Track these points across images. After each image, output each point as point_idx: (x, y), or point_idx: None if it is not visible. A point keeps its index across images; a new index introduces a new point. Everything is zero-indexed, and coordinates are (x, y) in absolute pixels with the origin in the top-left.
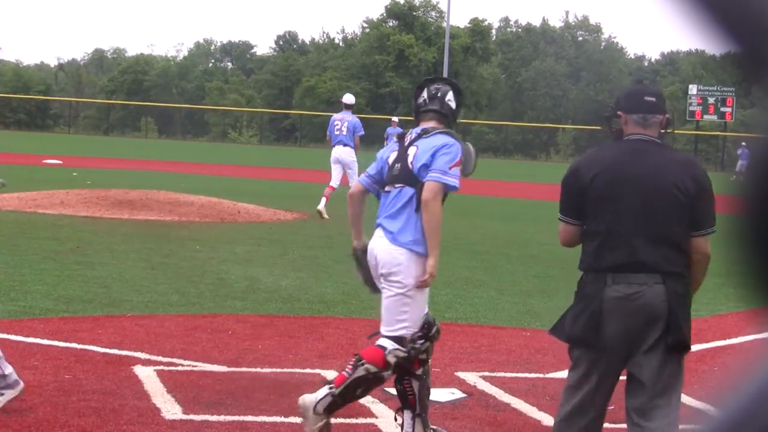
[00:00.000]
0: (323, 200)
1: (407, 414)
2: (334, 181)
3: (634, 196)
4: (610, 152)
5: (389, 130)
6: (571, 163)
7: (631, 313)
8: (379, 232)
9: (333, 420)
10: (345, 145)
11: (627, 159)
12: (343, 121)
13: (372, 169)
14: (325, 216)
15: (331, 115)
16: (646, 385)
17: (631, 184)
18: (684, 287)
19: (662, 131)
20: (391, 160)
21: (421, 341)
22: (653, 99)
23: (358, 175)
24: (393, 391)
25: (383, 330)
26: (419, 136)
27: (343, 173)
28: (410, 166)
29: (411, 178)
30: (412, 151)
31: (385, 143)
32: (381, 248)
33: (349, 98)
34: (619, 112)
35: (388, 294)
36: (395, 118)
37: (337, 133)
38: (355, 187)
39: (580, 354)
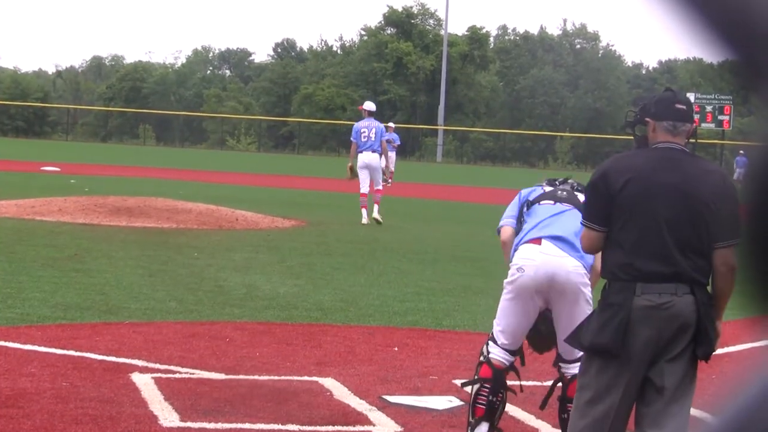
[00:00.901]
0: (375, 207)
1: (484, 426)
2: (365, 188)
3: (666, 204)
4: (640, 159)
5: (386, 135)
6: (598, 168)
7: (662, 323)
8: (551, 249)
9: (330, 427)
10: (374, 151)
11: (659, 167)
12: (370, 128)
13: (512, 210)
14: (380, 219)
15: (353, 123)
16: (666, 393)
17: (663, 193)
18: (709, 298)
19: (689, 140)
20: (539, 195)
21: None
22: (684, 107)
23: None
24: (390, 398)
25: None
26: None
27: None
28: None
29: (580, 204)
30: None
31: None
32: (568, 264)
33: (371, 105)
34: (647, 119)
35: (578, 314)
36: (391, 124)
37: (364, 140)
38: (507, 233)
39: (602, 365)
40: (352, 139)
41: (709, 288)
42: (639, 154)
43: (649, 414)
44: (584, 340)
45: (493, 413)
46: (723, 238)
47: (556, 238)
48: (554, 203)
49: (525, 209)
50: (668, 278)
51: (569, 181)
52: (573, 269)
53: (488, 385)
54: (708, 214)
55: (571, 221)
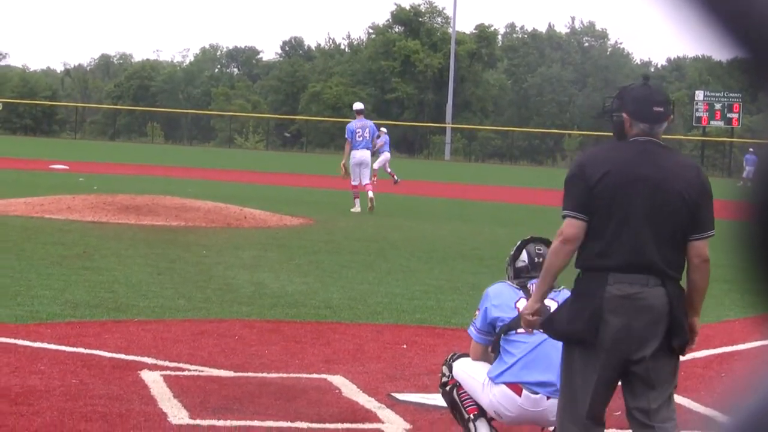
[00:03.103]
0: (370, 193)
1: (483, 421)
2: (357, 181)
3: (643, 197)
4: (618, 152)
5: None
6: (575, 160)
7: (633, 313)
8: (531, 402)
9: (338, 424)
10: (368, 148)
11: (636, 160)
12: (364, 128)
13: (481, 324)
14: (372, 204)
15: (347, 121)
16: (655, 387)
17: (640, 186)
18: (681, 291)
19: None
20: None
21: None
22: (661, 109)
23: None
24: (399, 396)
25: None
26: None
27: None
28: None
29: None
30: (552, 304)
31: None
32: (549, 414)
33: (359, 105)
34: (624, 114)
35: None
36: (383, 128)
37: (359, 138)
38: (477, 352)
39: (575, 352)
40: (347, 137)
41: (683, 283)
42: (616, 148)
43: (643, 408)
44: (558, 329)
45: (484, 410)
46: (697, 230)
47: (539, 384)
48: (532, 332)
49: (503, 335)
50: (639, 269)
51: (538, 260)
52: (553, 415)
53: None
54: (683, 208)
55: (551, 353)
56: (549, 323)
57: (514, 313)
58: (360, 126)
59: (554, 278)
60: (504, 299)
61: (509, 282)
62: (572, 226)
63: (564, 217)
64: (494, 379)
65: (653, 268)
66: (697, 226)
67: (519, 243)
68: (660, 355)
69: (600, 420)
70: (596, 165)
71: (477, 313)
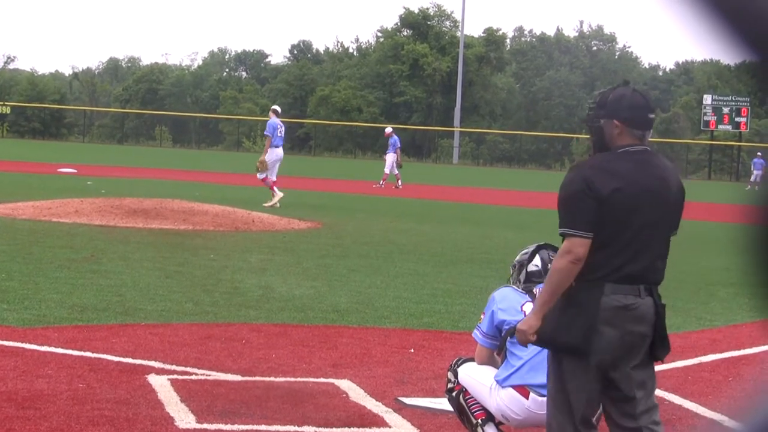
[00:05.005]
0: (275, 194)
1: (491, 426)
2: (274, 175)
3: (649, 210)
4: (622, 165)
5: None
6: (575, 175)
7: (627, 323)
8: (538, 405)
9: (346, 429)
10: (281, 147)
11: (641, 172)
12: (283, 126)
13: (488, 327)
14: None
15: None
16: (645, 394)
17: (647, 199)
18: (661, 299)
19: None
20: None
21: None
22: (654, 116)
23: None
24: (406, 400)
25: None
26: None
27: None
28: None
29: None
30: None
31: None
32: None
33: (278, 107)
34: (616, 122)
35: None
36: (389, 128)
37: (280, 135)
38: (482, 355)
39: (565, 360)
40: (268, 134)
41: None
42: (617, 160)
43: (631, 414)
44: (550, 338)
45: (492, 415)
46: (676, 227)
47: (546, 387)
48: (527, 345)
49: (508, 338)
50: (634, 280)
51: (544, 257)
52: None
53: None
54: (677, 213)
55: None
56: (540, 333)
57: (521, 317)
58: (280, 123)
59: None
60: (510, 302)
61: (514, 286)
62: (582, 246)
63: (568, 234)
64: (501, 383)
65: (646, 278)
66: (676, 224)
67: (533, 248)
68: (646, 363)
69: (591, 424)
70: (604, 180)
71: (482, 316)
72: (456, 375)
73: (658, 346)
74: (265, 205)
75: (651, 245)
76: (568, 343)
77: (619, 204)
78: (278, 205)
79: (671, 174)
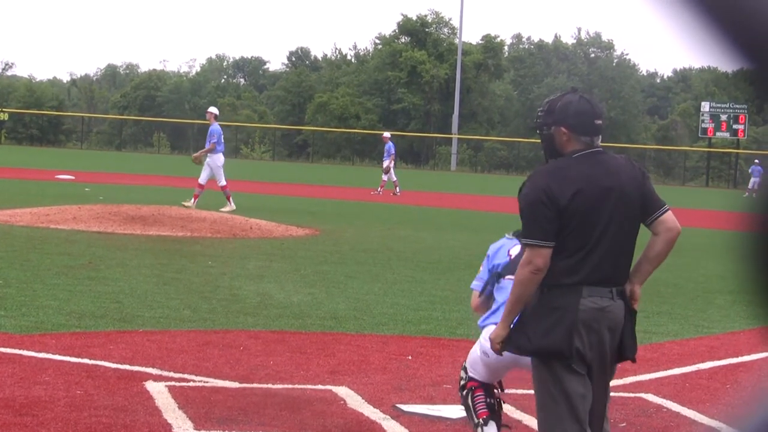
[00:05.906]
0: (195, 199)
1: (492, 425)
2: (205, 180)
3: (611, 210)
4: (579, 168)
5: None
6: (532, 184)
7: (604, 324)
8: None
9: None
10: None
11: (598, 173)
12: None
13: (483, 273)
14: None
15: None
16: (607, 393)
17: (606, 199)
18: (628, 300)
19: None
20: (505, 266)
21: None
22: (601, 122)
23: None
24: (404, 407)
25: None
26: None
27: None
28: None
29: None
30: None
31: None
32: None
33: (215, 109)
34: (563, 129)
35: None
36: (387, 134)
37: (223, 141)
38: (475, 301)
39: (547, 366)
40: (214, 141)
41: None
42: (572, 164)
43: (600, 414)
44: (530, 344)
45: (495, 412)
46: (655, 209)
47: None
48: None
49: (495, 281)
50: (607, 282)
51: None
52: None
53: (480, 391)
54: (638, 207)
55: None
56: (515, 340)
57: (507, 260)
58: (221, 130)
59: (523, 307)
60: (501, 248)
61: (507, 235)
62: (542, 256)
63: (527, 244)
64: (481, 323)
65: (617, 279)
66: (652, 207)
67: None
68: (612, 364)
69: (586, 424)
70: (563, 185)
71: (480, 269)
72: (466, 371)
73: (629, 348)
74: (224, 210)
75: (619, 246)
76: (552, 347)
77: (581, 207)
78: (234, 207)
79: (627, 168)
